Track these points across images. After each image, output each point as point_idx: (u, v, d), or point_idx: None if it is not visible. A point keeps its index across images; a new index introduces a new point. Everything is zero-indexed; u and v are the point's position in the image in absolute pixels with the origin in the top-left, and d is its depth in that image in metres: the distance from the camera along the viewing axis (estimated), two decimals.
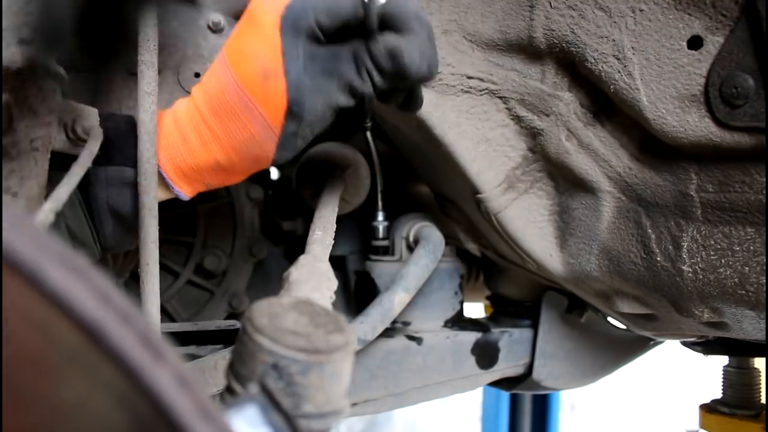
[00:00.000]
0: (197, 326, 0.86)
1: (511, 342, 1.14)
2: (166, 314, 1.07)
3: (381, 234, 0.99)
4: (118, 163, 0.62)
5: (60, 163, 0.54)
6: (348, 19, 0.56)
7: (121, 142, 0.61)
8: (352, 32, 0.57)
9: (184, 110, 0.62)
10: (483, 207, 0.87)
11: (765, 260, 0.67)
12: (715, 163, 0.69)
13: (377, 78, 0.56)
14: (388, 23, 0.56)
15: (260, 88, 0.56)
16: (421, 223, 1.06)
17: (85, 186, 0.60)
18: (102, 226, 0.63)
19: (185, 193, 0.64)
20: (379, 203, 0.97)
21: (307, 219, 0.84)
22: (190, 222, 1.08)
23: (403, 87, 0.61)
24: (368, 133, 0.87)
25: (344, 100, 0.58)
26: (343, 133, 1.11)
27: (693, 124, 0.68)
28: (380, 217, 0.98)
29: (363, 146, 0.93)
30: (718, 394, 1.24)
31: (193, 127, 0.60)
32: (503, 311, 1.21)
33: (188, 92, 0.67)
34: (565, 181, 0.85)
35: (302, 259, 0.65)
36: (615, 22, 0.71)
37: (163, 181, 0.62)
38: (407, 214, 1.08)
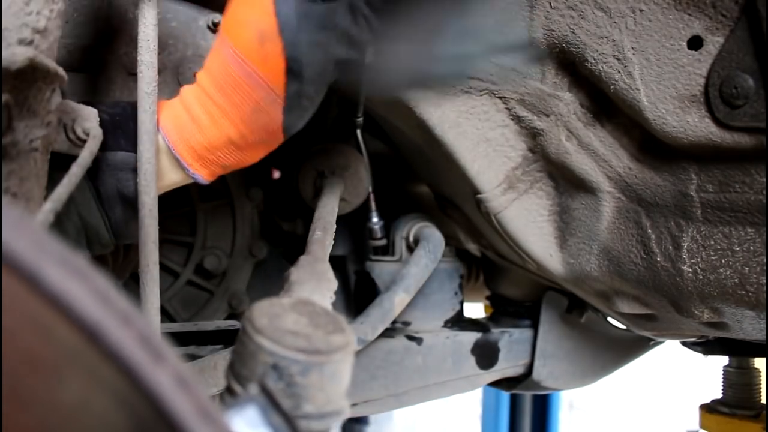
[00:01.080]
0: (197, 326, 0.86)
1: (511, 342, 1.13)
2: (166, 314, 1.06)
3: (378, 234, 0.99)
4: (125, 148, 0.61)
5: (60, 163, 0.54)
6: None
7: (129, 128, 0.61)
8: None
9: (191, 92, 0.62)
10: (483, 207, 0.87)
11: (765, 260, 0.67)
12: (715, 163, 0.69)
13: (374, 21, 0.56)
14: None
15: (257, 52, 0.56)
16: (421, 223, 1.06)
17: (93, 171, 0.60)
18: (111, 211, 0.63)
19: (202, 176, 0.63)
20: (372, 203, 0.97)
21: (307, 219, 0.84)
22: (190, 222, 1.08)
23: None
24: (359, 132, 0.86)
25: (343, 52, 0.57)
26: (342, 134, 1.11)
27: (693, 124, 0.68)
28: (374, 218, 0.97)
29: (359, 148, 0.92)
30: (718, 394, 1.24)
31: (201, 106, 0.60)
32: (503, 311, 1.21)
33: None
34: (565, 182, 0.85)
35: (302, 259, 0.65)
36: (615, 22, 0.71)
37: (179, 164, 0.62)
38: (407, 214, 1.08)
